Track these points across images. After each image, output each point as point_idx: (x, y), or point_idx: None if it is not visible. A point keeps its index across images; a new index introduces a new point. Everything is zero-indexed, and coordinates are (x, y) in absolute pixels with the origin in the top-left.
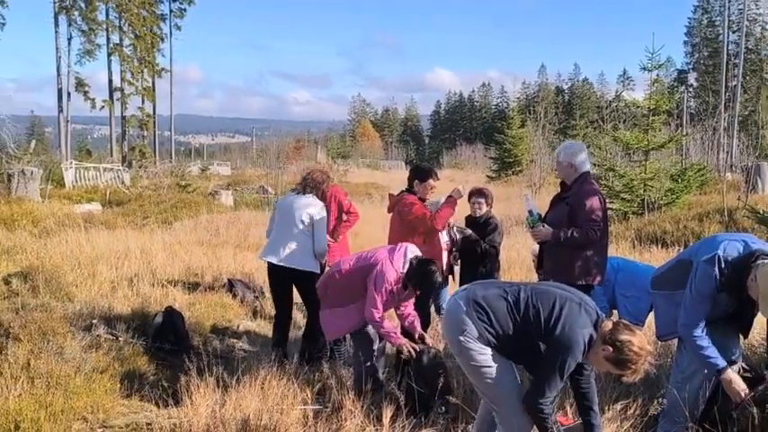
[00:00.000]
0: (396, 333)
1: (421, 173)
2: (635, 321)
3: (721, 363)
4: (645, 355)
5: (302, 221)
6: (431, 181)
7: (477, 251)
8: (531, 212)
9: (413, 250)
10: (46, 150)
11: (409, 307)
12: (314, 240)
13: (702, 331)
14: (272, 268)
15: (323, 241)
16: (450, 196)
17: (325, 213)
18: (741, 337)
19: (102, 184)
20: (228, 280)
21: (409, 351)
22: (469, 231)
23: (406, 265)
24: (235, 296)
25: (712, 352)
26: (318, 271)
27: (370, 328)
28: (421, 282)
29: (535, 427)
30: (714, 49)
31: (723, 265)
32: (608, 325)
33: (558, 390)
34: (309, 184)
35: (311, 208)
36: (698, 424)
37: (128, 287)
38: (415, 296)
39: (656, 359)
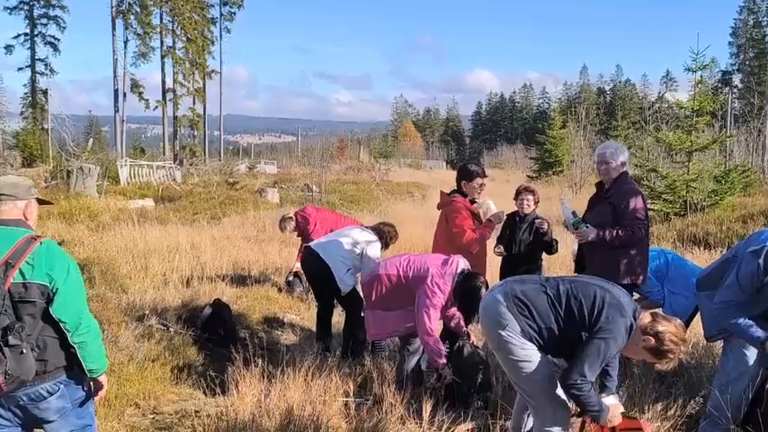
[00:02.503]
0: (441, 355)
1: (467, 174)
2: None
3: (761, 333)
4: (681, 344)
5: (355, 244)
6: (478, 179)
7: (549, 246)
8: (575, 213)
9: (463, 265)
10: (102, 148)
11: (453, 308)
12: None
13: (737, 311)
14: (312, 257)
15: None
16: (489, 219)
17: (375, 252)
18: None
19: (155, 181)
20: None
21: (448, 377)
22: (545, 227)
23: (455, 279)
24: (291, 291)
25: (750, 325)
26: (347, 290)
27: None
28: (464, 298)
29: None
30: (760, 50)
31: None
32: (647, 316)
33: (596, 374)
34: (379, 228)
35: (371, 244)
36: (740, 427)
37: (178, 280)
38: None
39: (698, 360)
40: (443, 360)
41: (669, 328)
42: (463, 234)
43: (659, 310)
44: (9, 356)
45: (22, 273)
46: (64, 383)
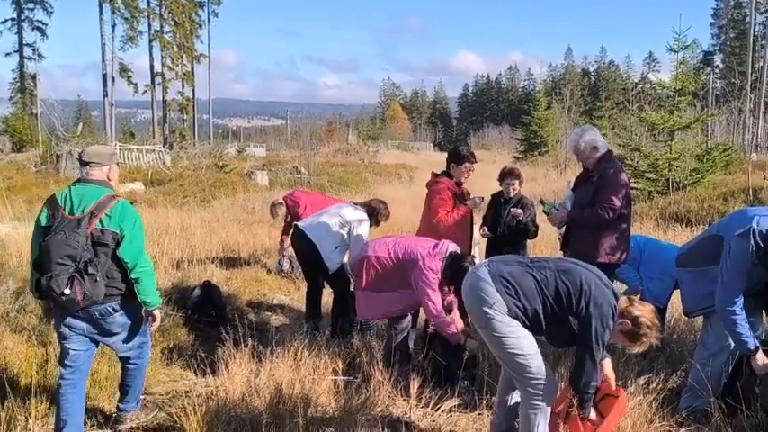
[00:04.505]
0: (457, 330)
1: (457, 157)
2: (656, 303)
3: (753, 343)
4: (655, 329)
5: (344, 223)
6: (467, 164)
7: (526, 231)
8: (542, 201)
9: (452, 248)
10: (92, 133)
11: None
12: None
13: (740, 309)
14: (300, 237)
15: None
16: (464, 204)
17: (364, 231)
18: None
19: (145, 165)
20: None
21: (472, 346)
22: (520, 213)
23: (444, 261)
24: (281, 270)
25: (746, 331)
26: (334, 269)
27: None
28: (453, 278)
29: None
30: (741, 31)
31: (758, 238)
32: (624, 301)
33: (600, 361)
34: (370, 205)
35: (359, 223)
36: (720, 399)
37: (168, 262)
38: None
39: (679, 335)
40: (460, 337)
41: (645, 312)
42: (436, 214)
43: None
44: (87, 282)
45: (101, 222)
46: (128, 303)
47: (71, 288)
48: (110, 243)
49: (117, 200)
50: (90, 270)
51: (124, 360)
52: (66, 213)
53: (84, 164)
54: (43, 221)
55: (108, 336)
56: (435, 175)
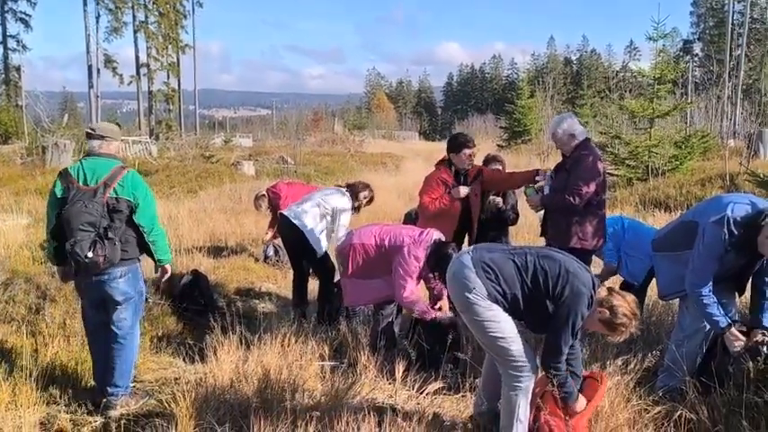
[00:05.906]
0: (428, 309)
1: (454, 146)
2: (631, 281)
3: (724, 322)
4: (634, 319)
5: (326, 209)
6: (465, 150)
7: (506, 220)
8: (527, 185)
9: (436, 236)
10: (78, 124)
11: (437, 282)
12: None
13: (709, 291)
14: (285, 224)
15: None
16: (448, 193)
17: (346, 219)
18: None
19: (131, 156)
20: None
21: (445, 319)
22: (500, 203)
23: (429, 248)
24: (267, 258)
25: (717, 311)
26: (321, 253)
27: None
28: (437, 265)
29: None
30: (719, 19)
31: (732, 226)
32: (603, 290)
33: (569, 346)
34: (352, 190)
35: (342, 211)
36: (695, 378)
37: None
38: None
39: (657, 317)
40: (431, 313)
41: (623, 302)
42: (421, 200)
43: (616, 278)
44: (107, 246)
45: (115, 191)
46: (132, 272)
47: (93, 251)
48: (124, 210)
49: (127, 170)
50: (110, 235)
51: (112, 338)
52: (81, 185)
53: (97, 137)
54: (59, 193)
55: (110, 302)
56: (438, 164)
